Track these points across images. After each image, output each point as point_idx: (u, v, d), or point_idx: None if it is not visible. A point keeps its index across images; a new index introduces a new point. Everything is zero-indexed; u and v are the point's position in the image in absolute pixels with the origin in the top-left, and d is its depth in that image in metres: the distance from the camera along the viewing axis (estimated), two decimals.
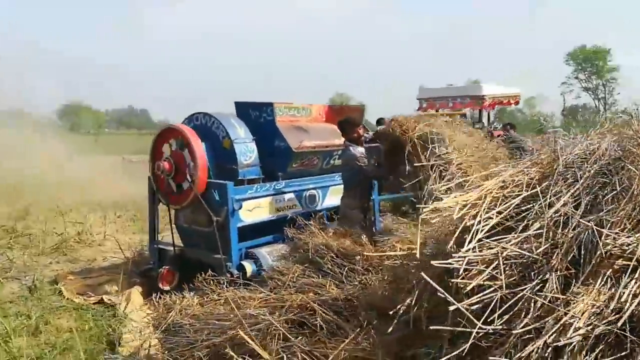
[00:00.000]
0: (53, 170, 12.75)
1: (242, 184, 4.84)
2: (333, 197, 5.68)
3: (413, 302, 2.07)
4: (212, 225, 4.86)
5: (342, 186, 5.70)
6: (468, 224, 1.99)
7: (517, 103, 9.97)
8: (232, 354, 2.44)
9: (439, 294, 1.79)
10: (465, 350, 1.80)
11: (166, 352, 3.00)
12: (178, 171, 4.83)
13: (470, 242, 1.89)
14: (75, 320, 4.48)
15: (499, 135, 9.19)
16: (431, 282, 1.80)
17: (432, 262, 1.85)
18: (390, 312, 2.16)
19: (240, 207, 4.70)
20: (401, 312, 2.17)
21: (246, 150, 4.95)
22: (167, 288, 4.88)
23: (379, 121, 8.86)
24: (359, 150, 4.83)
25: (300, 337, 2.65)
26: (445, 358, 1.82)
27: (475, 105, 9.18)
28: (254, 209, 4.90)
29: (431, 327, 1.81)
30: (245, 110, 5.34)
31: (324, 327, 2.58)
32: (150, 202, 5.37)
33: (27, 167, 12.82)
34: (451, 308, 1.73)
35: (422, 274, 1.90)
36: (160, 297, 4.71)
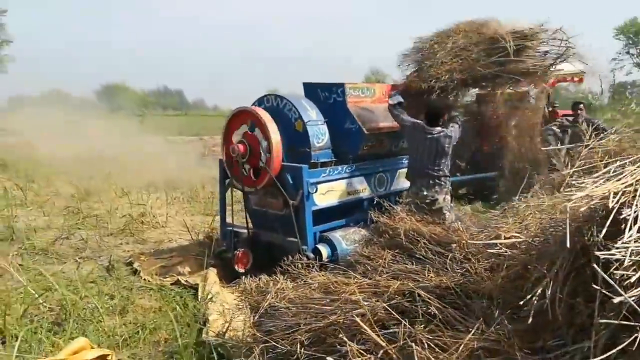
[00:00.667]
0: (106, 151, 13.07)
1: (315, 167, 4.82)
2: (401, 180, 5.61)
3: (549, 291, 2.00)
4: (285, 208, 4.88)
5: None
6: (624, 213, 1.89)
7: (581, 81, 9.55)
8: (345, 339, 2.42)
9: (594, 285, 1.70)
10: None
11: (264, 334, 3.01)
12: (252, 154, 4.83)
13: (629, 231, 1.80)
14: (157, 301, 4.58)
15: (564, 116, 8.87)
16: (600, 271, 1.71)
17: (596, 253, 1.76)
18: (521, 302, 2.10)
19: (316, 190, 4.68)
20: (533, 302, 2.11)
21: (318, 132, 4.91)
22: (242, 270, 4.95)
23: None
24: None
25: (408, 325, 2.61)
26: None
27: (539, 82, 8.82)
28: (327, 192, 4.87)
29: (600, 321, 1.73)
30: (314, 91, 5.29)
31: (437, 316, 2.53)
32: (222, 184, 5.42)
33: (79, 149, 13.18)
34: (616, 300, 1.65)
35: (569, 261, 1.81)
36: (238, 280, 4.81)
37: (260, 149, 4.78)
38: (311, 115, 4.90)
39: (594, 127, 7.83)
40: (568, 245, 1.90)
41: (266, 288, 3.67)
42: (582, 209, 1.99)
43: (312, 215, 4.73)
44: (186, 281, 5.03)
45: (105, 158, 12.35)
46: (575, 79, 9.45)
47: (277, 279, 3.66)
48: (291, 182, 4.71)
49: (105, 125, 16.09)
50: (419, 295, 2.89)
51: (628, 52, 41.03)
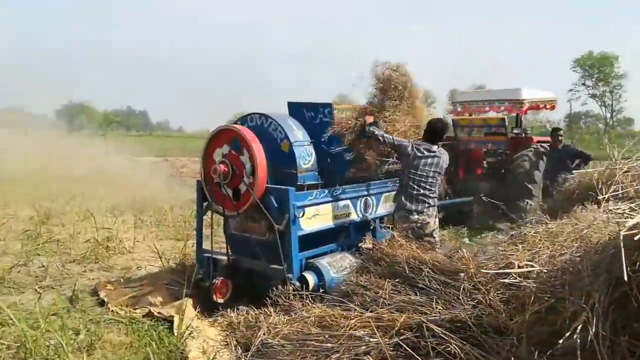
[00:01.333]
0: (68, 172, 12.47)
1: (302, 190, 4.57)
2: (386, 205, 5.43)
3: (593, 327, 1.80)
4: (268, 233, 4.60)
5: (393, 193, 5.46)
6: None
7: (552, 108, 9.71)
8: None
9: None
10: None
11: None
12: (235, 175, 4.54)
13: None
14: (127, 335, 4.18)
15: (539, 142, 8.94)
16: None
17: None
18: (560, 340, 1.89)
19: (303, 214, 4.43)
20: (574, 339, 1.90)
21: (305, 153, 4.68)
22: (221, 300, 4.61)
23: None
24: None
25: None
26: None
27: (513, 109, 8.93)
28: (314, 217, 4.62)
29: None
30: (298, 111, 5.08)
31: (456, 354, 2.30)
32: (199, 207, 5.09)
33: (40, 169, 12.53)
34: None
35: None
36: (218, 311, 4.46)
37: (243, 170, 4.50)
38: (298, 135, 4.68)
39: (577, 154, 7.95)
40: (625, 277, 1.71)
41: (256, 322, 3.35)
42: (636, 237, 1.80)
43: (298, 240, 4.46)
44: (159, 313, 4.62)
45: (67, 179, 11.74)
46: (548, 105, 9.60)
47: (268, 312, 3.35)
48: (276, 205, 4.43)
49: (67, 145, 15.44)
50: (428, 329, 2.66)
51: (584, 84, 42.90)
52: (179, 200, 10.46)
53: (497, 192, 9.08)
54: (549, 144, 8.44)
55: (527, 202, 8.24)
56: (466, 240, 7.79)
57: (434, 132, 4.87)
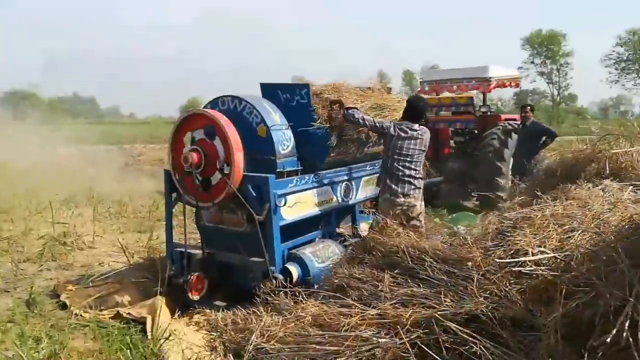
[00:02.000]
0: (11, 163, 11.62)
1: (282, 177, 4.27)
2: (366, 189, 5.22)
3: None
4: (247, 224, 4.30)
5: (373, 176, 5.27)
6: None
7: (517, 85, 9.73)
8: None
9: None
10: None
11: None
12: (208, 163, 4.19)
13: None
14: (95, 341, 3.81)
15: (506, 120, 8.93)
16: None
17: None
18: (604, 336, 1.71)
19: (285, 203, 4.14)
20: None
21: (283, 138, 4.37)
22: (196, 298, 4.30)
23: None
24: None
25: None
26: None
27: (481, 87, 8.86)
28: (295, 205, 4.34)
29: None
30: (273, 93, 4.75)
31: (484, 356, 2.10)
32: (168, 199, 4.71)
33: None
34: None
35: None
36: (193, 310, 4.15)
37: (218, 158, 4.16)
38: (275, 119, 4.36)
39: (543, 130, 7.96)
40: None
41: (245, 324, 3.06)
42: None
43: (279, 231, 4.18)
44: (129, 314, 4.27)
45: (12, 170, 10.93)
46: (513, 83, 9.60)
47: (258, 312, 3.06)
48: (255, 194, 4.12)
49: (10, 134, 14.41)
50: (438, 325, 2.46)
51: (532, 62, 43.99)
52: (139, 190, 9.93)
53: (466, 171, 9.06)
54: (518, 122, 8.44)
55: (497, 180, 8.24)
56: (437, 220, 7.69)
57: (415, 110, 4.68)
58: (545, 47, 42.63)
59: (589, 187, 3.44)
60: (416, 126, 4.58)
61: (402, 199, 4.43)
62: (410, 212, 4.42)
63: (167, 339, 3.52)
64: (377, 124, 4.53)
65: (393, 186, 4.46)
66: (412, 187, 4.48)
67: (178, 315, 4.11)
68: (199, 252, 4.48)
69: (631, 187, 3.30)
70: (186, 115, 4.41)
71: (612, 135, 4.53)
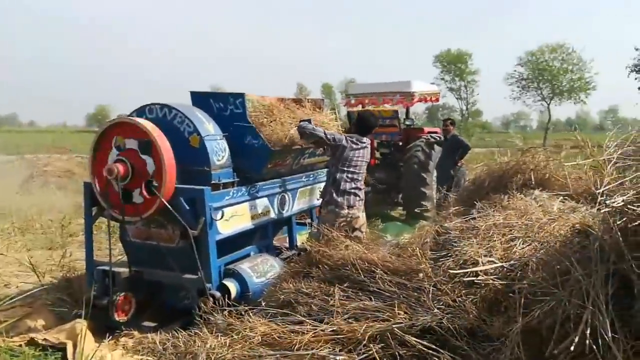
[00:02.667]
0: None
1: (217, 189, 4.08)
2: (302, 200, 5.14)
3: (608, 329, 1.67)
4: (179, 239, 4.06)
5: (309, 187, 5.24)
6: None
7: (437, 100, 10.15)
8: None
9: None
10: None
11: None
12: (136, 175, 3.90)
13: None
14: None
15: (429, 133, 9.25)
16: None
17: None
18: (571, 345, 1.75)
19: (222, 216, 3.95)
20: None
21: (218, 148, 4.18)
22: (124, 319, 3.97)
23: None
24: None
25: None
26: None
27: (405, 102, 9.12)
28: (231, 218, 4.16)
29: None
30: (204, 102, 4.55)
31: None
32: (88, 213, 4.33)
33: None
34: None
35: None
36: (119, 333, 3.83)
37: (146, 169, 3.88)
38: (208, 128, 4.16)
39: (458, 143, 8.33)
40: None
41: (187, 348, 2.83)
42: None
43: (215, 245, 3.97)
44: (45, 340, 3.85)
45: None
46: (434, 98, 10.00)
47: (202, 333, 2.85)
48: (188, 207, 3.89)
49: None
50: (394, 338, 2.42)
51: (443, 79, 46.42)
52: (47, 203, 9.14)
53: (392, 182, 9.26)
54: (439, 135, 8.78)
55: (422, 191, 8.50)
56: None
57: (366, 125, 4.83)
58: (454, 65, 45.23)
59: (522, 197, 3.59)
60: (364, 139, 4.68)
61: (347, 211, 4.48)
62: (354, 223, 4.44)
63: None
64: (329, 136, 4.54)
65: (339, 198, 4.49)
66: (357, 198, 4.56)
67: (105, 340, 3.76)
68: (124, 270, 4.14)
69: (559, 197, 3.48)
70: (110, 123, 4.08)
71: (534, 148, 4.80)
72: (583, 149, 2.85)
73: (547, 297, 1.96)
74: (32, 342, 3.83)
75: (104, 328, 3.98)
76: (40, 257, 6.18)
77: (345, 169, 4.50)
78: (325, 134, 4.53)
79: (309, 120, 4.58)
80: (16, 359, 3.54)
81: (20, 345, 3.77)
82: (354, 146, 4.55)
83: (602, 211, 1.94)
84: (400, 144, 9.40)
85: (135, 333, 3.88)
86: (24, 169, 13.37)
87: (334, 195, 4.46)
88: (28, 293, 4.79)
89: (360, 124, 4.79)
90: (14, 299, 4.60)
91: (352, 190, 4.50)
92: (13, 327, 4.06)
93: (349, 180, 4.49)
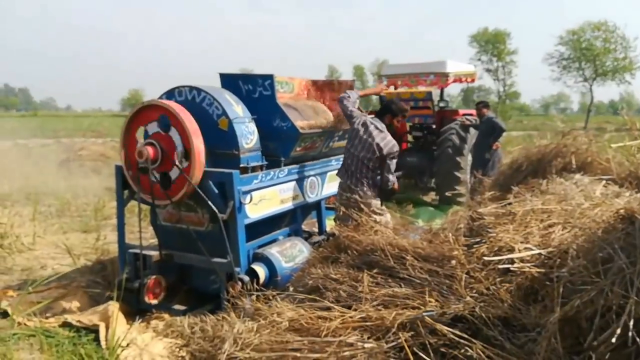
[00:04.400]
0: None
1: (246, 172, 4.04)
2: (331, 184, 5.07)
3: None
4: (209, 223, 4.06)
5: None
6: None
7: (473, 81, 9.84)
8: None
9: None
10: None
11: None
12: (165, 159, 3.90)
13: None
14: (42, 352, 3.47)
15: (464, 115, 8.99)
16: None
17: None
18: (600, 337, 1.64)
19: (250, 200, 3.92)
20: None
21: (247, 132, 4.13)
22: (154, 302, 4.01)
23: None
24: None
25: None
26: None
27: (439, 83, 8.87)
28: (260, 202, 4.12)
29: None
30: (234, 84, 4.51)
31: (474, 358, 1.99)
32: (120, 197, 4.38)
33: None
34: None
35: None
36: (151, 315, 3.87)
37: (175, 153, 3.87)
38: (237, 111, 4.11)
39: (493, 126, 8.07)
40: None
41: (215, 332, 2.83)
42: None
43: (244, 229, 3.95)
44: (79, 321, 3.94)
45: None
46: (469, 79, 9.71)
47: (230, 318, 2.84)
48: (217, 191, 3.88)
49: None
50: (424, 326, 2.34)
51: (479, 59, 45.16)
52: (82, 187, 9.36)
53: (424, 166, 9.08)
54: (475, 117, 8.52)
55: (456, 175, 8.31)
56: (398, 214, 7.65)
57: (384, 107, 4.81)
58: (492, 44, 43.90)
59: (562, 182, 3.42)
60: (381, 125, 4.53)
61: (348, 194, 4.44)
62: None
63: (125, 348, 3.24)
64: (349, 109, 4.58)
65: (343, 178, 4.56)
66: (360, 183, 4.46)
67: (136, 322, 3.81)
68: (155, 253, 4.17)
69: (602, 181, 3.30)
70: (140, 107, 4.09)
71: (576, 130, 4.59)
72: (630, 131, 2.67)
73: (588, 286, 1.84)
74: (66, 324, 3.93)
75: (135, 310, 4.05)
76: (75, 240, 6.33)
77: (349, 147, 4.52)
78: (347, 106, 4.57)
79: (351, 91, 4.69)
80: (51, 340, 3.62)
81: (55, 327, 3.88)
82: (362, 128, 4.49)
83: None
84: (434, 126, 9.19)
85: (166, 316, 3.93)
86: (61, 153, 13.74)
87: (340, 174, 4.56)
88: (63, 275, 4.93)
89: (382, 108, 4.79)
90: (50, 281, 4.75)
91: (355, 172, 4.47)
92: (48, 309, 4.18)
93: (351, 160, 4.48)
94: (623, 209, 2.20)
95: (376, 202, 4.57)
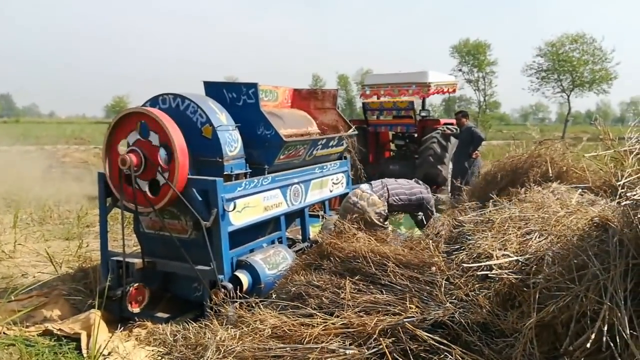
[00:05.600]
0: None
1: (229, 180, 4.06)
2: (315, 192, 5.11)
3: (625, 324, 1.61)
4: (192, 231, 4.06)
5: (322, 179, 5.20)
6: None
7: (454, 91, 10.01)
8: None
9: None
10: None
11: None
12: (148, 166, 3.90)
13: None
14: None
15: (445, 124, 9.12)
16: None
17: None
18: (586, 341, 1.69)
19: (234, 208, 3.93)
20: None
21: (231, 139, 4.16)
22: (137, 310, 3.99)
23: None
24: None
25: None
26: None
27: (421, 92, 9.01)
28: (244, 209, 4.14)
29: None
30: (218, 92, 4.54)
31: None
32: (103, 204, 4.36)
33: None
34: None
35: None
36: (133, 323, 3.85)
37: (159, 160, 3.88)
38: (221, 119, 4.14)
39: (471, 135, 8.19)
40: None
41: (198, 339, 2.83)
42: None
43: (228, 237, 3.96)
44: (60, 330, 3.89)
45: None
46: (450, 89, 9.86)
47: (212, 325, 2.84)
48: (200, 198, 3.89)
49: None
50: (405, 332, 2.38)
51: (460, 70, 45.65)
52: (64, 194, 9.25)
53: (407, 174, 9.16)
54: (456, 126, 8.65)
55: (438, 183, 8.41)
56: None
57: None
58: (472, 55, 44.46)
59: (539, 190, 3.50)
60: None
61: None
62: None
63: (106, 356, 3.22)
64: None
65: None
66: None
67: (118, 330, 3.78)
68: (138, 261, 4.15)
69: (578, 190, 3.39)
70: (123, 114, 4.09)
71: (550, 140, 4.71)
72: (603, 140, 2.76)
73: (563, 292, 1.90)
74: (46, 332, 3.88)
75: (117, 318, 4.02)
76: (57, 247, 6.25)
77: None
78: None
79: None
80: (31, 349, 3.58)
81: (35, 336, 3.83)
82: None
83: (622, 204, 1.87)
84: (416, 135, 9.30)
85: (149, 324, 3.90)
86: (43, 160, 13.55)
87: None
88: (44, 283, 4.86)
89: None
90: (31, 289, 4.69)
91: None
92: (29, 317, 4.13)
93: None
94: (597, 217, 2.27)
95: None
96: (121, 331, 3.79)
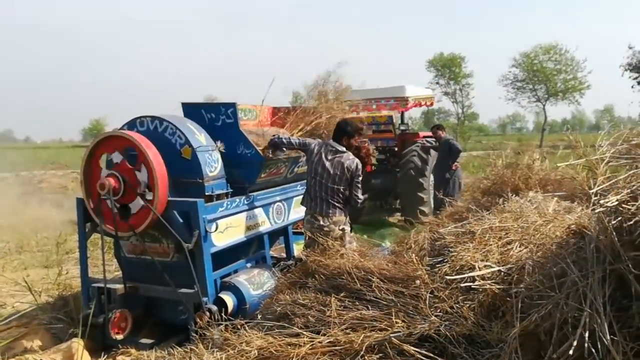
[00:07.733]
0: None
1: (211, 200, 4.04)
2: (298, 209, 5.10)
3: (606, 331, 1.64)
4: (174, 253, 4.02)
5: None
6: None
7: (432, 104, 10.16)
8: None
9: None
10: None
11: None
12: (128, 189, 3.86)
13: None
14: None
15: (424, 137, 9.23)
16: None
17: None
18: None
19: (216, 228, 3.91)
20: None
21: (211, 160, 4.14)
22: (120, 337, 3.92)
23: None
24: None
25: None
26: None
27: (399, 107, 9.12)
28: (226, 230, 4.12)
29: None
30: (196, 113, 4.53)
31: None
32: (81, 229, 4.30)
33: None
34: None
35: None
36: (117, 351, 3.77)
37: (138, 184, 3.85)
38: (200, 139, 4.13)
39: (449, 148, 8.30)
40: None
41: None
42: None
43: (210, 258, 3.93)
44: None
45: None
46: (428, 102, 10.00)
47: (198, 350, 2.80)
48: (181, 220, 3.86)
49: None
50: (392, 347, 2.38)
51: (437, 83, 46.47)
52: (42, 220, 9.09)
53: (389, 188, 9.24)
54: (434, 139, 8.76)
55: (420, 195, 8.47)
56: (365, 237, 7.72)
57: (337, 129, 4.62)
58: (448, 68, 45.32)
59: (517, 200, 3.56)
60: (340, 147, 4.45)
61: (320, 222, 4.32)
62: (332, 234, 4.21)
63: None
64: (295, 141, 4.53)
65: (311, 205, 4.39)
66: (331, 207, 4.35)
67: (101, 359, 3.71)
68: (120, 286, 4.09)
69: (555, 198, 3.46)
70: (102, 137, 4.06)
71: (527, 149, 4.80)
72: (575, 149, 2.83)
73: (544, 301, 1.93)
74: None
75: (101, 346, 3.94)
76: (36, 276, 6.12)
77: (312, 175, 4.39)
78: (287, 139, 4.53)
79: (277, 136, 4.56)
80: None
81: None
82: (322, 152, 4.41)
83: (596, 211, 1.91)
84: (396, 149, 9.39)
85: (133, 351, 3.83)
86: (19, 186, 13.32)
87: (306, 202, 4.43)
88: (24, 313, 4.76)
89: (335, 130, 4.62)
90: (10, 319, 4.58)
91: (325, 198, 4.35)
92: (8, 349, 4.03)
93: (319, 187, 4.36)
94: (574, 224, 2.31)
95: (348, 228, 4.55)
96: (105, 359, 3.71)
